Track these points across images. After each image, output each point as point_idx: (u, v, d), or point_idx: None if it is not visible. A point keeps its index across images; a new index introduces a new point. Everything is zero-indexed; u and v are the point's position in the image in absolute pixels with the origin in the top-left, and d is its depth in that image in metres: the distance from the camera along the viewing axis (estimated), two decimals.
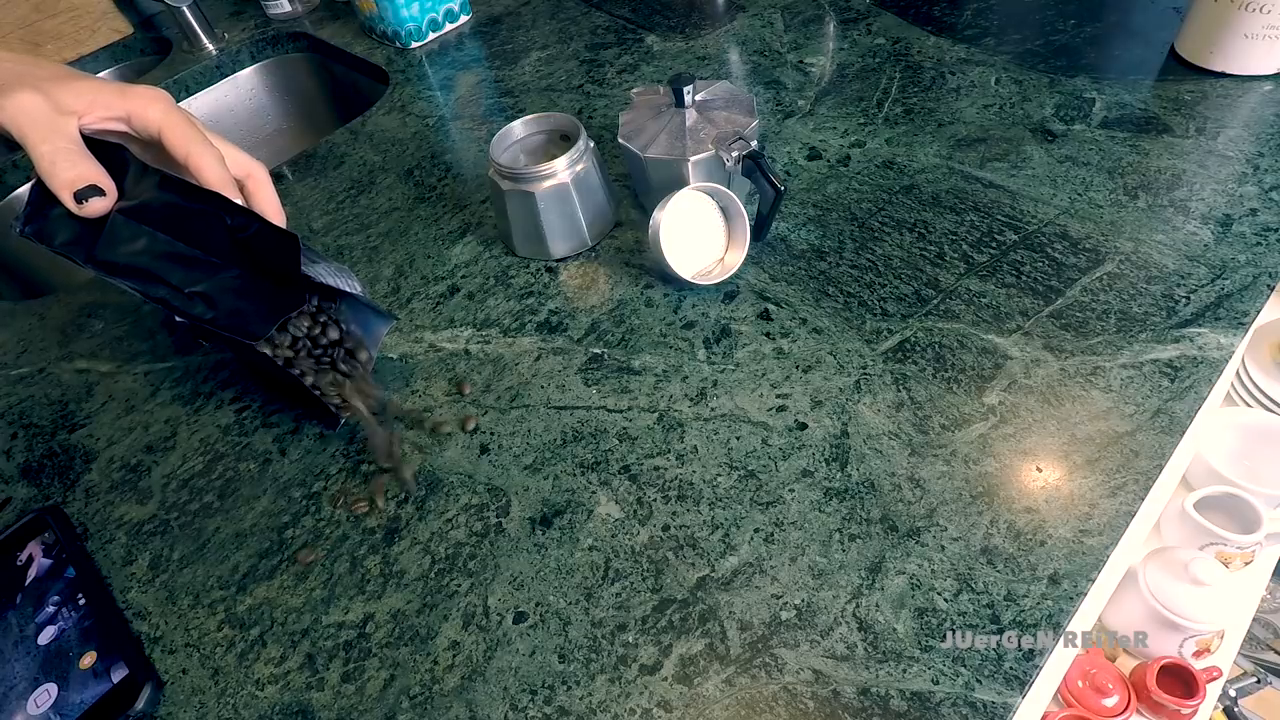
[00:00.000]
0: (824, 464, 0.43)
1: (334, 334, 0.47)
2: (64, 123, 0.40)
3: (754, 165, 0.50)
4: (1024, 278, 0.50)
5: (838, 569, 0.38)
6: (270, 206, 0.47)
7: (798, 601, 0.38)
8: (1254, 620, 1.03)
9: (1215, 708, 0.95)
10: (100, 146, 0.42)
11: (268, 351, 0.44)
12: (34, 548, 0.45)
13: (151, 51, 1.00)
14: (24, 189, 0.83)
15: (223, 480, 0.48)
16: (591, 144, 0.56)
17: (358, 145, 0.75)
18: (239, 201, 0.43)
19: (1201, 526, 0.85)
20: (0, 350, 0.60)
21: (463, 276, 0.58)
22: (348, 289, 0.46)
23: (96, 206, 0.41)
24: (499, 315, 0.55)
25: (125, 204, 0.42)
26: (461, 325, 0.55)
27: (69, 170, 0.40)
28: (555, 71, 0.79)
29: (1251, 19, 0.58)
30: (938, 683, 0.34)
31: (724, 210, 0.53)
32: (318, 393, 0.46)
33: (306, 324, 0.46)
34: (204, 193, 0.42)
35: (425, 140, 0.74)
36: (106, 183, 0.41)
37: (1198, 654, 0.85)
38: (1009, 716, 0.33)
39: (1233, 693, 1.01)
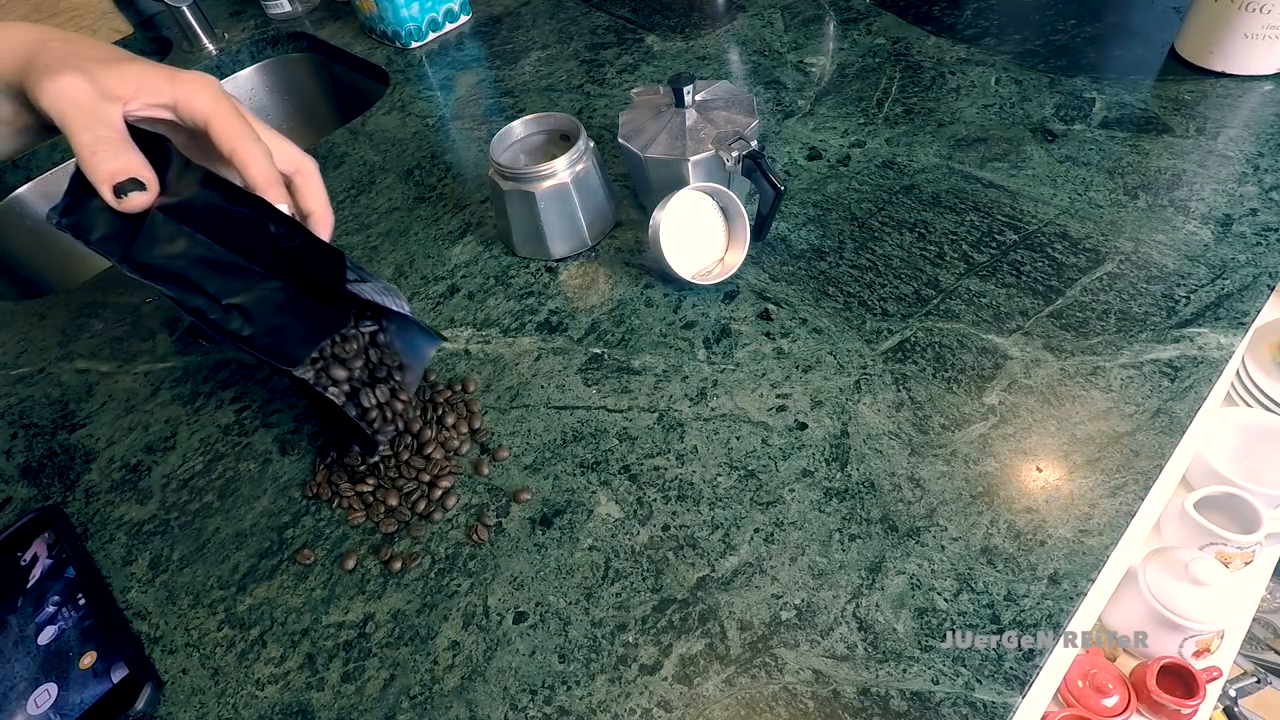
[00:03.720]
0: (824, 464, 0.43)
1: (376, 355, 0.45)
2: (108, 109, 0.38)
3: (754, 165, 0.50)
4: (1024, 278, 0.50)
5: (838, 569, 0.38)
6: (318, 204, 0.44)
7: (798, 601, 0.38)
8: (1254, 620, 1.03)
9: (1215, 708, 0.95)
10: (143, 136, 0.40)
11: (307, 376, 0.41)
12: (38, 547, 0.45)
13: (151, 51, 1.00)
14: (24, 189, 0.83)
15: (223, 480, 0.48)
16: (591, 144, 0.55)
17: (358, 145, 0.75)
18: (285, 201, 0.40)
19: (1201, 526, 0.85)
20: (0, 350, 0.60)
21: (463, 276, 0.58)
22: (394, 308, 0.44)
23: (137, 201, 0.39)
24: (499, 315, 0.55)
25: (166, 201, 0.40)
26: (461, 325, 0.54)
27: (110, 161, 0.38)
28: (555, 71, 0.79)
29: (1251, 19, 0.58)
30: (938, 683, 0.34)
31: (724, 210, 0.53)
32: (359, 420, 0.44)
33: (350, 345, 0.43)
34: (247, 195, 0.40)
35: (425, 140, 0.74)
36: (149, 176, 0.39)
37: (1198, 654, 0.85)
38: (1009, 716, 0.33)
39: (1233, 693, 1.01)
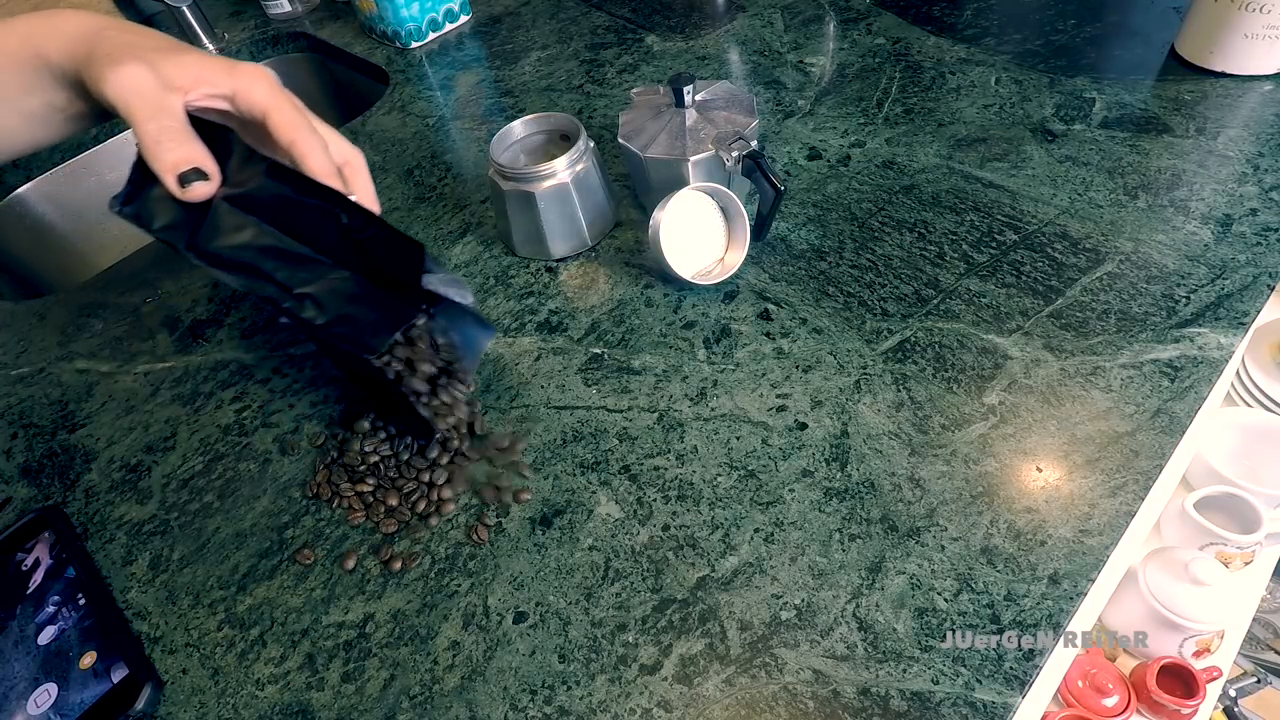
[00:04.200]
0: (824, 464, 0.43)
1: (438, 345, 0.44)
2: (170, 100, 0.38)
3: (754, 165, 0.50)
4: (1024, 278, 0.50)
5: (838, 569, 0.38)
6: (366, 195, 0.44)
7: (798, 601, 0.38)
8: (1254, 620, 1.03)
9: (1215, 708, 0.95)
10: (204, 127, 0.40)
11: (377, 362, 0.41)
12: (40, 551, 0.45)
13: None
14: (24, 188, 0.83)
15: (223, 480, 0.48)
16: (591, 144, 0.55)
17: (358, 145, 0.75)
18: (344, 192, 0.40)
19: (1201, 526, 0.85)
20: (0, 350, 0.60)
21: (463, 276, 0.58)
22: (459, 299, 0.44)
23: (200, 191, 0.39)
24: (499, 315, 0.55)
25: (231, 191, 0.40)
26: None
27: (174, 151, 0.38)
28: (555, 71, 0.79)
29: (1251, 19, 0.58)
30: (938, 683, 0.34)
31: (724, 210, 0.53)
32: (423, 410, 0.44)
33: (415, 334, 0.43)
34: (318, 187, 0.40)
35: (425, 140, 0.74)
36: (211, 166, 0.39)
37: (1198, 654, 0.85)
38: (1009, 716, 0.33)
39: (1233, 693, 1.01)
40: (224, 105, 0.41)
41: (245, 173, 0.40)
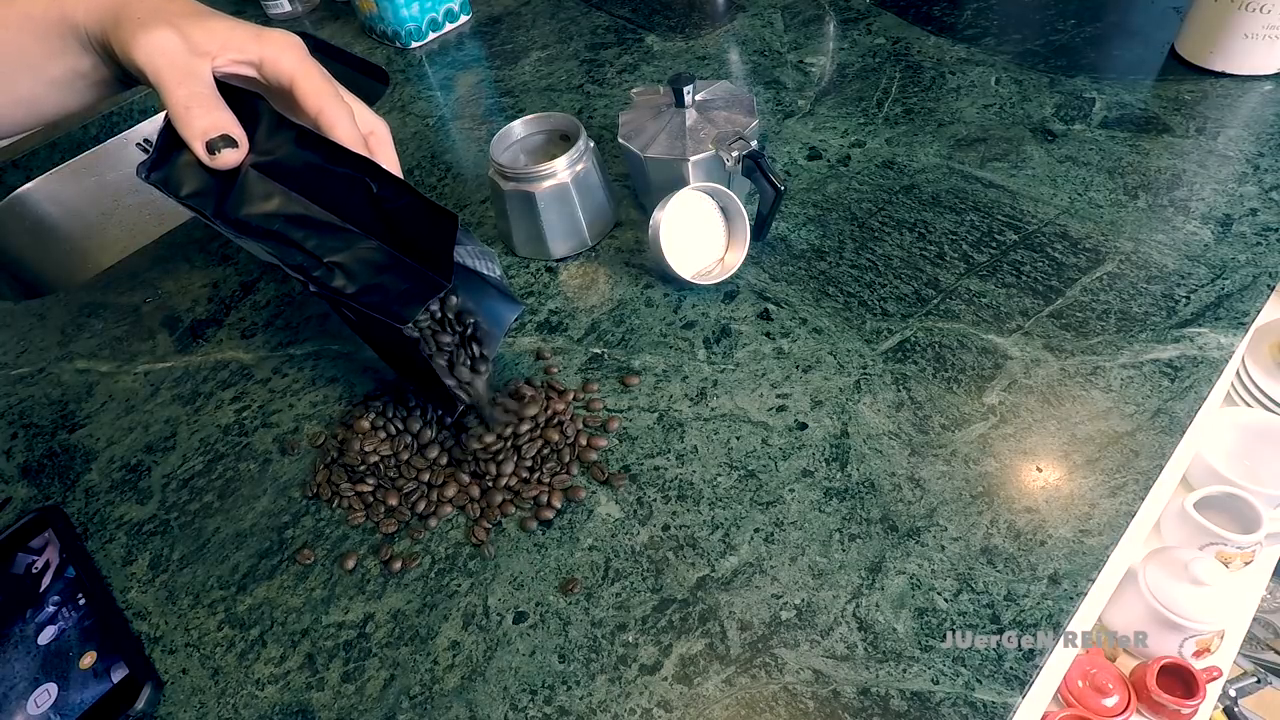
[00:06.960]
0: (824, 464, 0.43)
1: (465, 318, 0.44)
2: (198, 65, 0.38)
3: (754, 165, 0.50)
4: (1024, 277, 0.50)
5: (838, 569, 0.38)
6: (391, 165, 0.44)
7: (798, 601, 0.38)
8: (1254, 620, 1.03)
9: (1215, 708, 0.95)
10: (232, 93, 0.40)
11: (412, 333, 0.41)
12: (50, 554, 0.45)
13: None
14: (24, 188, 0.83)
15: (223, 480, 0.48)
16: (591, 144, 0.55)
17: None
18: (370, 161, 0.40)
19: (1201, 526, 0.85)
20: (0, 350, 0.60)
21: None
22: (487, 271, 0.43)
23: (228, 158, 0.39)
24: None
25: (260, 159, 0.40)
26: None
27: (204, 118, 0.38)
28: (555, 71, 0.79)
29: (1251, 19, 0.58)
30: (938, 683, 0.34)
31: (724, 210, 0.53)
32: (451, 383, 0.43)
33: (442, 306, 0.43)
34: (350, 155, 0.39)
35: (425, 140, 0.74)
36: (239, 134, 0.39)
37: (1198, 654, 0.85)
38: (1009, 716, 0.33)
39: (1233, 693, 1.01)
40: (251, 72, 0.41)
41: (274, 140, 0.40)
